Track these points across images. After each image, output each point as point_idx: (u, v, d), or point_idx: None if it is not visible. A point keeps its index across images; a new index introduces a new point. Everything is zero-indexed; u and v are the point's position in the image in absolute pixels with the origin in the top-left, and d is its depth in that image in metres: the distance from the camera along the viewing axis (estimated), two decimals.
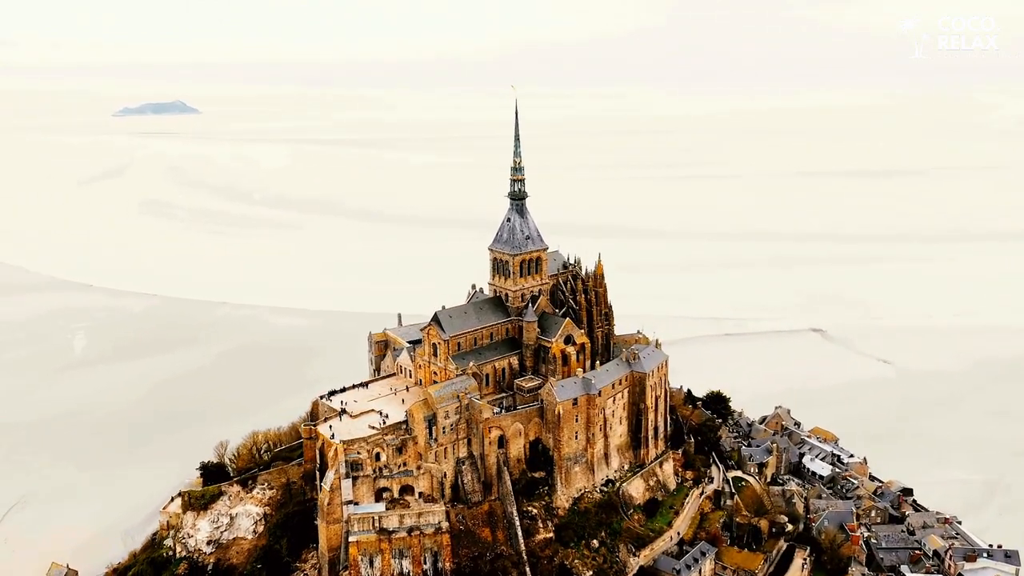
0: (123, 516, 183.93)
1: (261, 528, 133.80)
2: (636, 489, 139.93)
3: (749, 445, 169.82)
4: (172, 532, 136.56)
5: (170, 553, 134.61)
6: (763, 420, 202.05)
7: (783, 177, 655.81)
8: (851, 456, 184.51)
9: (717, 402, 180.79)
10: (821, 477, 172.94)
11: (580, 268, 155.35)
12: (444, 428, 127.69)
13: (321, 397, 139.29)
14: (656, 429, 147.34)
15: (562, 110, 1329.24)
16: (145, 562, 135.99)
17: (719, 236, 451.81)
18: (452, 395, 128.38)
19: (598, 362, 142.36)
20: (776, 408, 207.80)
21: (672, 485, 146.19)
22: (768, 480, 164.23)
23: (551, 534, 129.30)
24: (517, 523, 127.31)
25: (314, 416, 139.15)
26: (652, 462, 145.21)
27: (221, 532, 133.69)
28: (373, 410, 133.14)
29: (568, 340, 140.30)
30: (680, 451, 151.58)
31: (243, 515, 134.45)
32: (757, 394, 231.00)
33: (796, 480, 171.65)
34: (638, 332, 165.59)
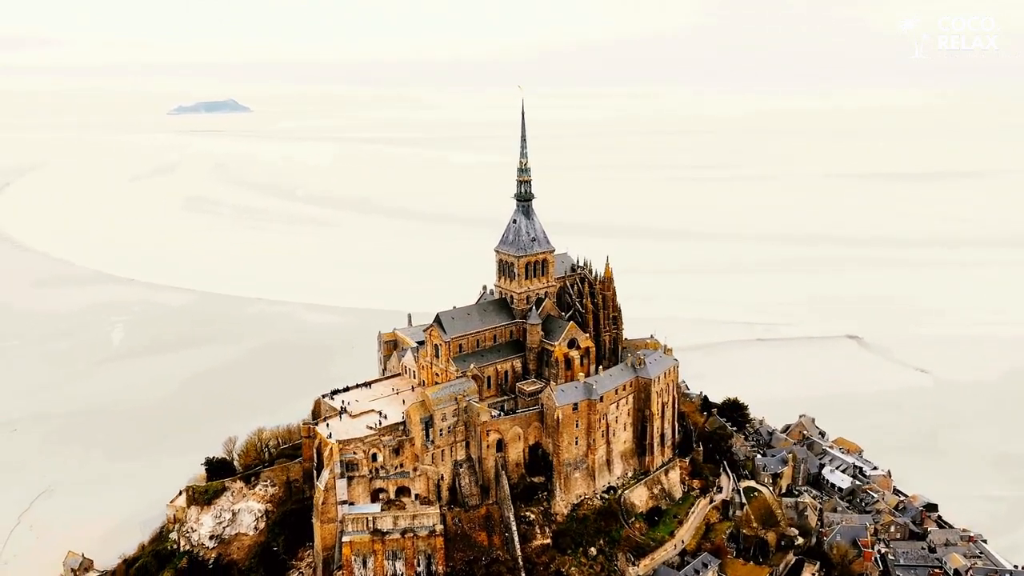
0: (144, 507, 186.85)
1: (262, 525, 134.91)
2: (639, 497, 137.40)
3: (764, 455, 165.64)
4: (177, 526, 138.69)
5: (174, 546, 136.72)
6: (786, 429, 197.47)
7: (823, 178, 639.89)
8: (874, 468, 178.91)
9: (734, 409, 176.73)
10: (840, 489, 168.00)
11: (590, 271, 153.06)
12: (441, 430, 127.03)
13: (323, 396, 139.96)
14: (663, 436, 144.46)
15: (594, 111, 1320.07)
16: (150, 554, 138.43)
17: (756, 238, 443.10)
18: (450, 397, 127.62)
19: (601, 367, 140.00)
20: (800, 417, 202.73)
21: (678, 494, 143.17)
22: (783, 491, 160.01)
23: (548, 540, 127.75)
24: (514, 528, 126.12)
25: (316, 414, 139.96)
26: (657, 470, 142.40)
27: (223, 527, 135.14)
28: (373, 410, 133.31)
29: (572, 344, 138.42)
30: (688, 459, 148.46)
31: (245, 511, 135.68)
32: (786, 401, 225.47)
33: (814, 492, 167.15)
34: (651, 336, 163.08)
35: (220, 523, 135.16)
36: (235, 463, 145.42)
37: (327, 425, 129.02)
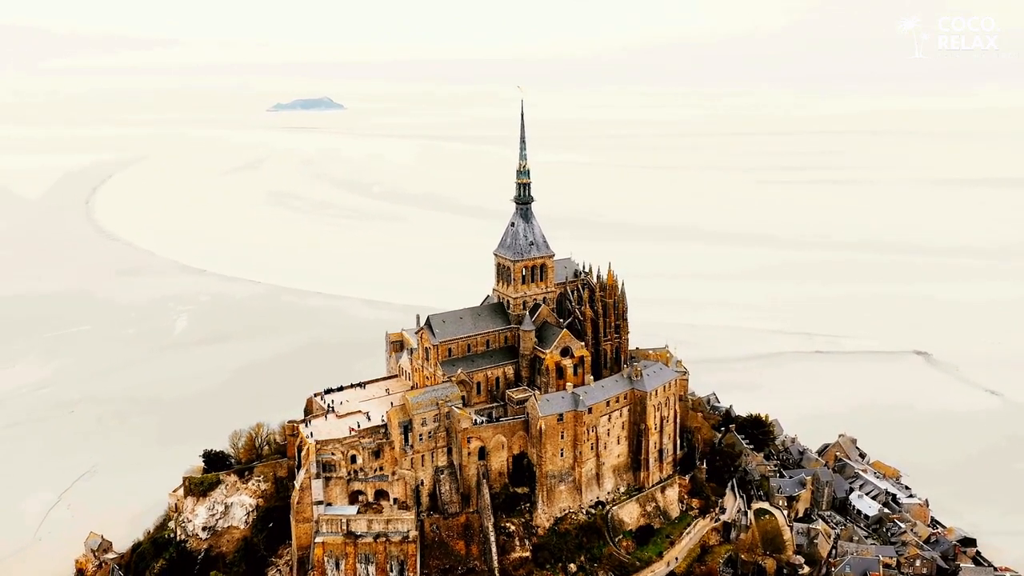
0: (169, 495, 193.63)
1: (252, 519, 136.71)
2: (629, 514, 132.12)
3: (781, 476, 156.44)
4: (176, 515, 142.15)
5: (171, 535, 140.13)
6: (823, 449, 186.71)
7: (925, 184, 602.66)
8: (911, 496, 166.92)
9: (755, 426, 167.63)
10: (866, 517, 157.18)
11: (596, 277, 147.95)
12: (421, 435, 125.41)
13: (315, 394, 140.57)
14: (661, 452, 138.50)
15: (691, 109, 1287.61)
16: (150, 542, 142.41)
17: (840, 246, 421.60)
18: (431, 402, 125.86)
19: (593, 377, 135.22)
20: (839, 436, 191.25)
21: (675, 513, 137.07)
22: (799, 515, 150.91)
23: (527, 553, 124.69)
24: (492, 539, 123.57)
25: (308, 412, 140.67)
26: (652, 486, 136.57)
27: (216, 520, 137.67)
28: (360, 411, 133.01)
29: (565, 352, 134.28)
30: (689, 477, 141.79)
31: (237, 505, 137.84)
32: (834, 418, 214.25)
33: (837, 518, 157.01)
34: (665, 346, 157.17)
35: (213, 515, 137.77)
36: (237, 457, 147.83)
37: (309, 424, 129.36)
